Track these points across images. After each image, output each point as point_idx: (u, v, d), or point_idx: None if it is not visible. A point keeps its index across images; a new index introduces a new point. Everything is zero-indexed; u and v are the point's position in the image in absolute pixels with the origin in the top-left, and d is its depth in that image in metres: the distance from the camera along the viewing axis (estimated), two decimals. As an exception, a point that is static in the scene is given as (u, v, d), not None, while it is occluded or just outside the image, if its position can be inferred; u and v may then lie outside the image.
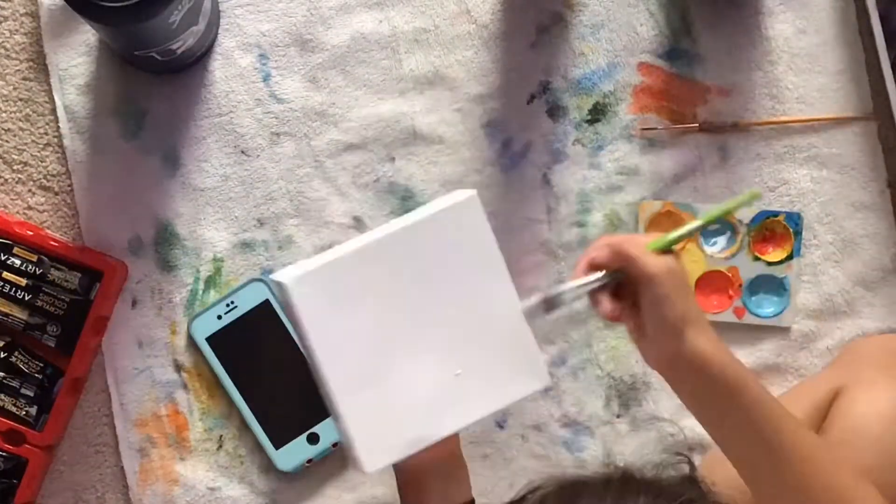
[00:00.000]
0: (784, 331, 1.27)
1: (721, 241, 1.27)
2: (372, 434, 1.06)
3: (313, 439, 1.25)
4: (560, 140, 1.27)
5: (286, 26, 1.27)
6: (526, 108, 1.28)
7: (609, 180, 1.27)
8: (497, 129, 1.28)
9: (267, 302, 1.25)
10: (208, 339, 1.25)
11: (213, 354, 1.25)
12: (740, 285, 1.27)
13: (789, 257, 1.27)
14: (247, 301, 1.26)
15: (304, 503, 1.26)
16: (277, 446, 1.25)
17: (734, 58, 1.28)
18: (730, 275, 1.27)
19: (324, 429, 1.25)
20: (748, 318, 1.27)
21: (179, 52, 1.19)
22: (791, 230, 1.26)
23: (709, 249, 1.27)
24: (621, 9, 1.28)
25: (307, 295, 1.06)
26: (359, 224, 1.27)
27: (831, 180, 1.28)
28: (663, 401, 1.27)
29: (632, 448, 1.27)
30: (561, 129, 1.28)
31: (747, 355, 1.27)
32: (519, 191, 1.28)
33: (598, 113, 1.28)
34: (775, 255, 1.27)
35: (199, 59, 1.26)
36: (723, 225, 1.27)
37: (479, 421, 1.08)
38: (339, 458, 1.26)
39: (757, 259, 1.27)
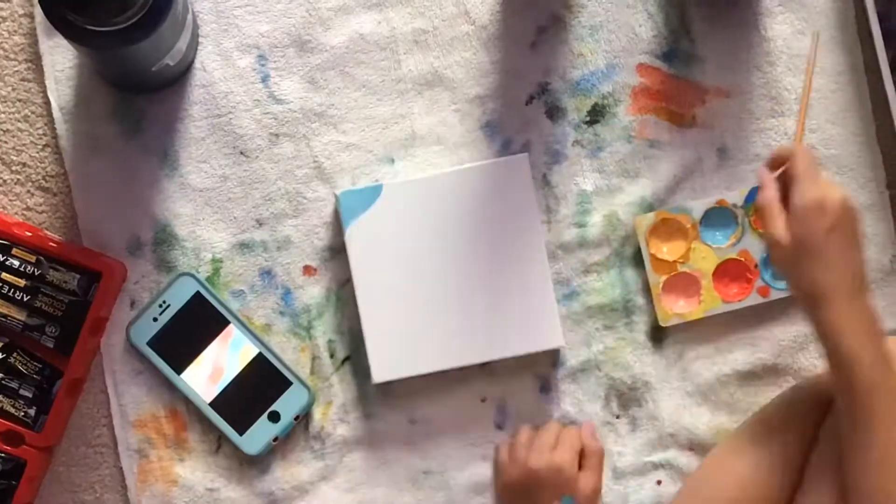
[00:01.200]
0: (781, 332, 1.27)
1: (722, 232, 1.27)
2: (386, 349, 1.20)
3: (274, 417, 1.24)
4: (559, 141, 1.27)
5: (285, 27, 1.27)
6: (525, 109, 1.28)
7: (609, 181, 1.27)
8: (496, 130, 1.27)
9: (198, 294, 1.24)
10: (150, 344, 1.24)
11: (158, 358, 1.24)
12: (756, 265, 1.26)
13: None
14: (178, 298, 1.24)
15: (303, 503, 1.26)
16: (241, 432, 1.24)
17: (733, 59, 1.28)
18: (742, 259, 1.26)
19: (282, 404, 1.24)
20: (775, 294, 1.26)
21: (162, 69, 1.19)
22: None
23: (714, 244, 1.26)
24: (620, 10, 1.28)
25: (352, 209, 1.20)
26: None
27: (830, 181, 1.28)
28: (663, 401, 1.27)
29: (632, 448, 1.27)
30: (560, 130, 1.27)
31: (746, 356, 1.27)
32: (518, 191, 1.28)
33: (596, 114, 1.28)
34: None
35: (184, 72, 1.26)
36: (719, 216, 1.26)
37: (485, 362, 1.20)
38: (338, 459, 1.26)
39: (762, 234, 1.26)
